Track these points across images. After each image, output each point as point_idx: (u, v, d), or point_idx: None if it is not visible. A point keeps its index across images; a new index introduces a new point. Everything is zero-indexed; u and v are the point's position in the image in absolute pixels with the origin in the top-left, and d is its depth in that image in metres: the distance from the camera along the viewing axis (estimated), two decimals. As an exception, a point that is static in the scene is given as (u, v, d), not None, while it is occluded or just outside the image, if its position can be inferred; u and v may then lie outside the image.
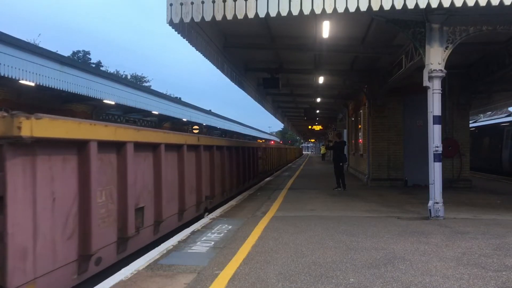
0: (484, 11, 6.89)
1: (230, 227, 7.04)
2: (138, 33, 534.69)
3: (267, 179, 18.04)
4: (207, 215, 8.15)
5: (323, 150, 51.72)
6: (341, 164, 13.36)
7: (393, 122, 14.29)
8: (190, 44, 9.09)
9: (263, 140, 64.45)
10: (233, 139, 13.06)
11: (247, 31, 10.82)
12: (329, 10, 6.45)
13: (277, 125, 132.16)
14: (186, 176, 7.20)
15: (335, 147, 13.83)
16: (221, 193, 10.10)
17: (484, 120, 26.54)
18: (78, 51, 53.31)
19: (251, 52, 13.29)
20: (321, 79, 16.32)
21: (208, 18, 6.64)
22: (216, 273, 4.46)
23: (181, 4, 6.64)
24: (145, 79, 63.92)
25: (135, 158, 5.29)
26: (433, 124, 7.71)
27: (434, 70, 7.65)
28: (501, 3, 6.28)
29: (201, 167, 8.23)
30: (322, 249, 5.47)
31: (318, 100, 22.82)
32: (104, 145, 4.60)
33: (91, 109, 22.83)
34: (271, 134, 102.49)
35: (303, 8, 6.47)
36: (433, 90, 7.71)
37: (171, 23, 6.92)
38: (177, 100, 35.48)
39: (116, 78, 25.11)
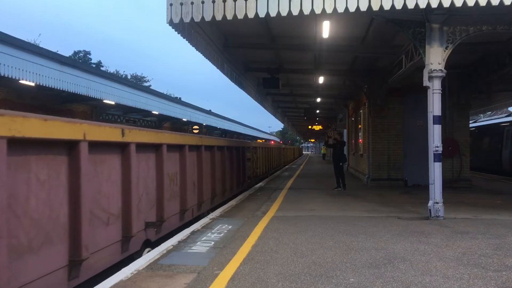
0: (484, 11, 6.89)
1: (230, 227, 7.04)
2: (138, 33, 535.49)
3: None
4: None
5: (323, 150, 52.46)
6: (340, 164, 13.36)
7: (393, 122, 14.29)
8: (190, 44, 9.10)
9: (263, 140, 64.41)
10: (202, 135, 8.75)
11: (247, 31, 10.82)
12: (329, 10, 6.45)
13: (277, 125, 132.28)
14: (88, 196, 4.17)
15: (335, 146, 13.83)
16: (180, 214, 7.06)
17: (484, 120, 26.54)
18: (79, 51, 53.38)
19: (251, 52, 13.29)
20: (321, 79, 16.32)
21: (208, 18, 6.64)
22: (216, 273, 4.46)
23: (181, 4, 6.64)
24: (145, 79, 63.93)
25: None
26: (433, 124, 7.71)
27: (434, 70, 7.65)
28: (501, 3, 6.28)
29: (131, 179, 5.05)
30: (322, 249, 5.47)
31: (318, 100, 22.82)
32: None
33: (91, 109, 22.83)
34: (271, 134, 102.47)
35: (303, 8, 6.47)
36: (433, 90, 7.71)
37: (171, 23, 6.92)
38: (177, 100, 35.49)
39: (116, 78, 25.11)
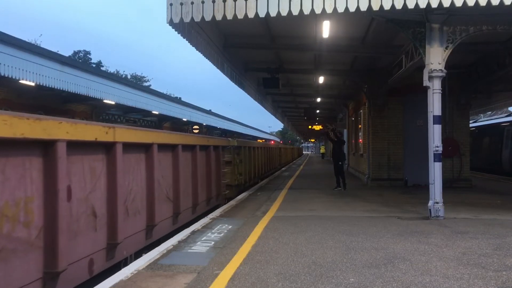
0: (484, 11, 6.89)
1: (230, 226, 7.04)
2: (138, 32, 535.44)
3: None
4: None
5: (322, 149, 53.13)
6: (340, 163, 13.36)
7: (393, 122, 14.29)
8: (190, 44, 9.10)
9: (263, 140, 64.43)
10: (117, 125, 4.94)
11: (247, 31, 10.82)
12: (329, 10, 6.45)
13: (277, 125, 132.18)
14: None
15: (335, 142, 13.80)
16: (42, 283, 3.51)
17: (484, 120, 26.55)
18: (79, 51, 53.43)
19: (251, 52, 13.29)
20: (321, 79, 16.33)
21: (208, 18, 6.64)
22: (216, 273, 4.46)
23: (181, 4, 6.64)
24: (145, 78, 63.97)
25: None
26: (433, 124, 7.71)
27: (434, 70, 7.65)
28: (501, 3, 6.28)
29: None
30: (322, 249, 5.47)
31: (318, 100, 22.84)
32: None
33: (91, 109, 22.85)
34: (271, 134, 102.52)
35: (303, 8, 6.47)
36: (433, 90, 7.71)
37: (171, 23, 6.92)
38: (177, 100, 35.54)
39: (116, 78, 25.14)
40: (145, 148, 5.73)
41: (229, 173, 11.52)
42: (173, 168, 6.76)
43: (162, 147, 6.20)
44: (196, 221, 7.62)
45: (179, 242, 5.93)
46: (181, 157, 6.99)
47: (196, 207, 7.94)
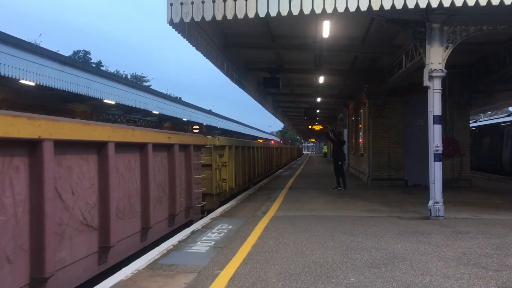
0: (484, 10, 6.89)
1: (230, 226, 7.04)
2: (138, 32, 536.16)
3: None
4: None
5: (325, 149, 53.74)
6: (340, 163, 13.35)
7: (393, 122, 14.29)
8: (191, 44, 9.10)
9: (263, 140, 64.41)
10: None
11: (247, 30, 10.82)
12: (329, 9, 6.45)
13: (277, 125, 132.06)
14: None
15: (335, 142, 13.79)
16: None
17: (484, 120, 26.52)
18: (79, 51, 53.44)
19: (251, 52, 13.29)
20: (321, 79, 16.33)
21: (208, 18, 6.64)
22: (216, 272, 4.46)
23: (182, 3, 6.64)
24: (145, 78, 63.96)
25: None
26: (434, 123, 7.71)
27: (434, 69, 7.65)
28: (501, 3, 6.28)
29: None
30: (322, 248, 5.47)
31: (319, 99, 22.84)
32: None
33: (91, 108, 22.86)
34: (271, 133, 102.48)
35: (303, 8, 6.47)
36: (433, 89, 7.71)
37: (171, 22, 6.92)
38: (177, 100, 35.54)
39: (116, 77, 25.15)
40: (29, 147, 3.26)
41: (208, 179, 9.29)
42: (99, 179, 4.37)
43: (72, 146, 3.89)
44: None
45: (179, 242, 5.93)
46: (113, 161, 4.52)
47: (147, 232, 5.48)
